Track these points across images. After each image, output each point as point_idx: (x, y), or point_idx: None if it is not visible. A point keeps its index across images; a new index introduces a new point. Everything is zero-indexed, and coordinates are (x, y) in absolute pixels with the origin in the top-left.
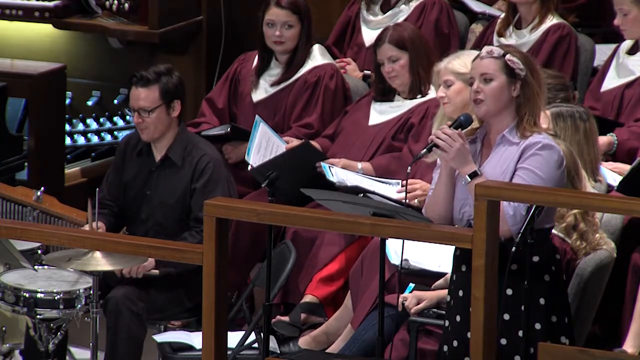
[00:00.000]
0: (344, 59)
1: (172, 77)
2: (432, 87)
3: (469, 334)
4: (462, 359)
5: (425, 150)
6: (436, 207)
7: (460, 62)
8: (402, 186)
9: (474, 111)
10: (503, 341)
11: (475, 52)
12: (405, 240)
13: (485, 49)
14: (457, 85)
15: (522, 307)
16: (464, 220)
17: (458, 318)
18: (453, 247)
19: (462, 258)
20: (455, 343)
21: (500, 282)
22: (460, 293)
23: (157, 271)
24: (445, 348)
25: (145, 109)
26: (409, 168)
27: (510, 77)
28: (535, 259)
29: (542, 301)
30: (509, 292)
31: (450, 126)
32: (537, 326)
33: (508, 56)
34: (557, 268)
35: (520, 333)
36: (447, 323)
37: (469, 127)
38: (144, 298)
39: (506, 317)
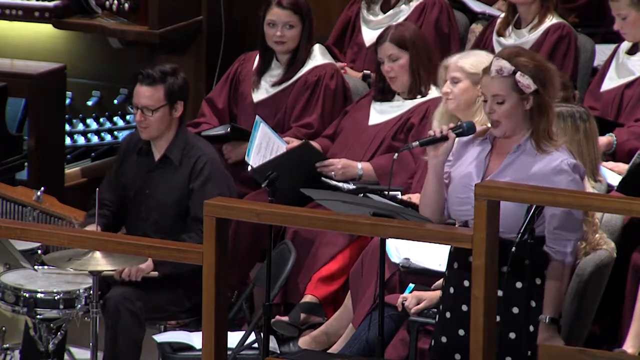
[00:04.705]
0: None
1: (177, 77)
2: (432, 88)
3: (460, 331)
4: (453, 355)
5: (417, 142)
6: (426, 207)
7: (472, 61)
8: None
9: (477, 122)
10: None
11: (485, 54)
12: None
13: (495, 65)
14: (464, 83)
15: (514, 309)
16: (463, 218)
17: (448, 314)
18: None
19: (454, 255)
20: (444, 339)
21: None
22: (451, 290)
23: (156, 273)
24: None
25: (149, 108)
26: (396, 155)
27: (521, 93)
28: (527, 262)
29: (533, 304)
30: (500, 293)
31: (451, 129)
32: (531, 328)
33: (518, 75)
34: None
35: (512, 335)
36: (437, 317)
37: (480, 129)
38: (142, 298)
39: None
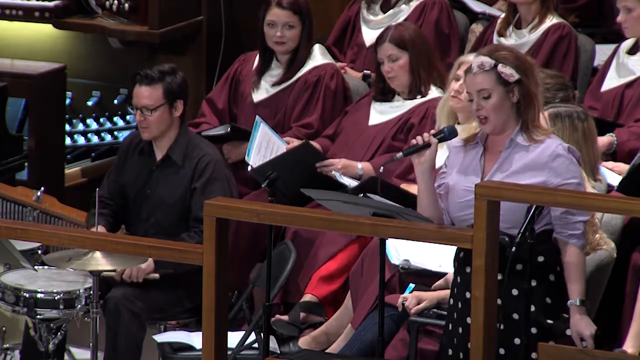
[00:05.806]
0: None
1: (176, 76)
2: (432, 88)
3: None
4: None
5: (401, 154)
6: (423, 213)
7: None
8: None
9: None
10: (517, 340)
11: None
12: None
13: (475, 62)
14: None
15: (529, 307)
16: (466, 223)
17: (469, 320)
18: (453, 248)
19: (466, 260)
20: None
21: (500, 282)
22: (468, 295)
23: (157, 275)
24: (450, 352)
25: (148, 108)
26: (382, 168)
27: (506, 85)
28: (540, 259)
29: (548, 300)
30: (515, 292)
31: (433, 135)
32: (550, 321)
33: (500, 67)
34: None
35: (534, 330)
36: (451, 326)
37: (468, 135)
38: (143, 298)
39: (515, 316)
